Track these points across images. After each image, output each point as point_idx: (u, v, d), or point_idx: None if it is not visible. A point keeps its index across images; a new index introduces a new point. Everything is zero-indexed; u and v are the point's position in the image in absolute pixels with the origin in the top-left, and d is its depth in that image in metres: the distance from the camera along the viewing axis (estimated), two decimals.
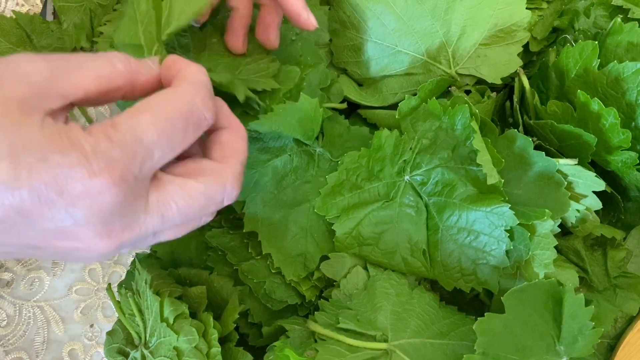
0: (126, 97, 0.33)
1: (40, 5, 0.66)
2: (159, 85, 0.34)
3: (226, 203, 0.34)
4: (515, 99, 0.47)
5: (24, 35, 0.63)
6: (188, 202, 0.31)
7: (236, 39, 0.46)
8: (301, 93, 0.44)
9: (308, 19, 0.44)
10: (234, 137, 0.35)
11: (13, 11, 0.62)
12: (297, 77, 0.45)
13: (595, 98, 0.41)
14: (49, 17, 0.65)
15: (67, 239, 0.28)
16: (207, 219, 0.35)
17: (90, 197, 0.27)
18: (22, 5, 0.66)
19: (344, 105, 0.52)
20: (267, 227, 0.45)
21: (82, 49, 0.63)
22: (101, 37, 0.62)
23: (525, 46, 0.50)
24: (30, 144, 0.26)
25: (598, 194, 0.42)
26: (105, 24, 0.62)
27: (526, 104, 0.47)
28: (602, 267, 0.44)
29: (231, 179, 0.33)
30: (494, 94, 0.48)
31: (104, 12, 0.63)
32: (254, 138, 0.45)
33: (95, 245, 0.29)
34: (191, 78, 0.32)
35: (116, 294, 0.52)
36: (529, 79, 0.49)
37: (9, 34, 0.63)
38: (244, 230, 0.45)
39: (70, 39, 0.63)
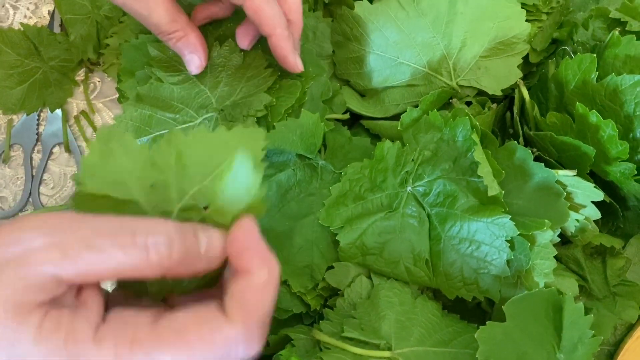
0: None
1: (48, 18, 0.67)
2: (218, 265, 0.28)
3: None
4: (516, 110, 0.48)
5: (32, 47, 0.64)
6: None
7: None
8: (302, 109, 0.45)
9: (295, 63, 0.46)
10: (256, 287, 0.27)
11: (21, 23, 0.63)
12: (298, 91, 0.46)
13: (594, 110, 0.42)
14: (57, 29, 0.66)
15: None
16: None
17: None
18: (30, 17, 0.67)
19: (347, 116, 0.53)
20: (273, 240, 0.45)
21: (89, 61, 0.64)
22: (107, 49, 0.63)
23: (525, 57, 0.51)
24: None
25: (597, 203, 0.43)
26: (111, 36, 0.63)
27: (526, 115, 0.48)
28: (602, 276, 0.45)
29: (248, 337, 0.26)
30: (494, 105, 0.49)
31: (110, 24, 0.64)
32: None
33: None
34: (251, 306, 0.26)
35: None
36: (528, 89, 0.50)
37: (17, 46, 0.64)
38: None
39: (77, 51, 0.64)
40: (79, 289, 0.26)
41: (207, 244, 0.28)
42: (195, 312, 0.26)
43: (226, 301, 0.26)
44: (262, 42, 0.49)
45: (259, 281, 0.27)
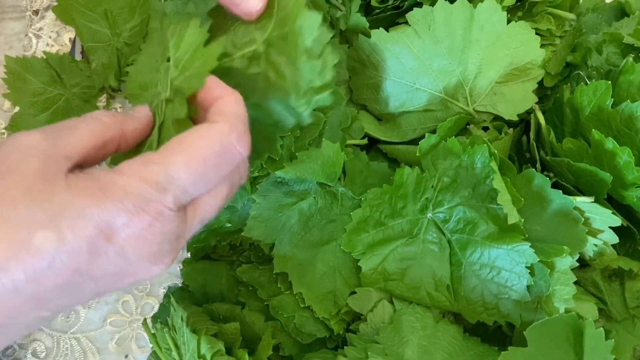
0: (120, 147, 0.35)
1: (69, 45, 0.69)
2: (149, 130, 0.36)
3: (244, 154, 0.33)
4: (532, 135, 0.49)
5: (55, 74, 0.66)
6: (203, 163, 0.31)
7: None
8: (323, 139, 0.46)
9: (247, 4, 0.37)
10: (228, 102, 0.34)
11: (44, 52, 0.65)
12: (321, 123, 0.48)
13: (610, 137, 0.42)
14: (78, 56, 0.68)
15: (125, 278, 0.31)
16: (241, 180, 0.36)
17: (134, 237, 0.29)
18: (52, 45, 0.69)
19: (365, 141, 0.54)
20: (296, 267, 0.47)
21: (111, 88, 0.66)
22: (129, 76, 0.65)
23: (540, 80, 0.52)
24: (65, 207, 0.28)
25: (614, 227, 0.44)
26: (132, 64, 0.64)
27: (542, 140, 0.49)
28: (620, 298, 0.46)
29: (233, 129, 0.32)
30: (510, 130, 0.50)
31: (130, 52, 0.66)
32: (279, 182, 0.47)
33: (150, 272, 0.31)
34: (229, 112, 0.32)
35: (150, 327, 0.55)
36: (544, 113, 0.51)
37: (40, 73, 0.66)
38: (274, 272, 0.47)
39: (99, 78, 0.65)
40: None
41: (134, 110, 0.37)
42: (187, 131, 0.32)
43: (209, 118, 0.33)
44: None
45: (231, 97, 0.33)
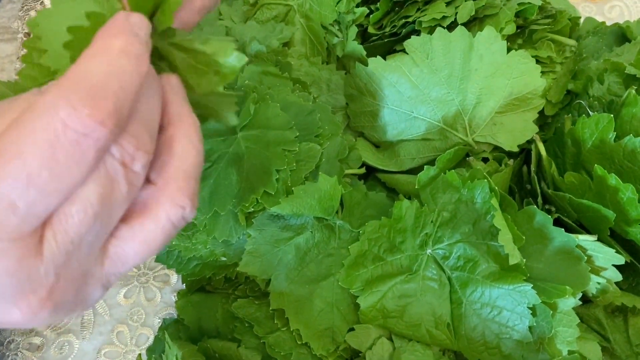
0: None
1: None
2: None
3: (184, 223, 0.27)
4: (533, 167, 0.48)
5: None
6: (138, 252, 0.26)
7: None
8: (320, 173, 0.45)
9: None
10: (179, 141, 0.27)
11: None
12: (318, 155, 0.47)
13: (613, 174, 0.41)
14: None
15: None
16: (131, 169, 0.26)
17: None
18: None
19: (363, 171, 0.53)
20: (293, 304, 0.46)
21: None
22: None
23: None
24: None
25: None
26: None
27: (543, 171, 0.48)
28: (624, 335, 0.45)
29: (174, 204, 0.26)
30: (510, 161, 0.49)
31: None
32: (275, 216, 0.46)
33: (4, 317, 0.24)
34: (71, 73, 0.24)
35: (144, 357, 0.54)
36: (544, 141, 0.50)
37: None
38: (270, 308, 0.46)
39: None
40: None
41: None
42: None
43: (152, 171, 0.26)
44: None
45: (186, 132, 0.27)
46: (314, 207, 0.46)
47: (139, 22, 0.27)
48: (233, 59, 0.29)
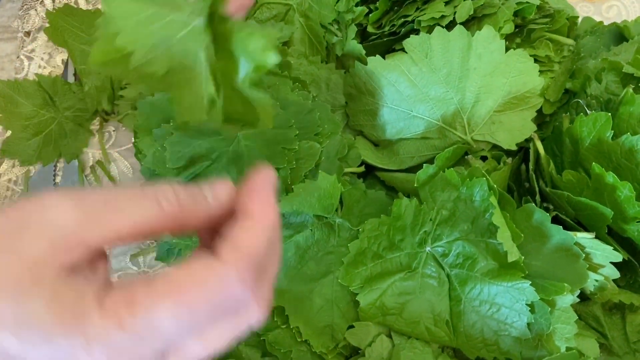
0: (174, 234, 0.29)
1: (62, 67, 0.68)
2: (221, 215, 0.29)
3: (248, 297, 0.27)
4: (531, 166, 0.49)
5: (47, 97, 0.65)
6: (195, 311, 0.26)
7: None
8: (320, 171, 0.45)
9: None
10: (250, 232, 0.27)
11: (35, 74, 0.64)
12: (317, 154, 0.47)
13: (610, 172, 0.42)
14: (70, 78, 0.67)
15: None
16: (248, 322, 0.28)
17: None
18: (44, 67, 0.68)
19: (362, 169, 0.53)
20: (293, 302, 0.46)
21: (104, 111, 0.65)
22: (121, 100, 0.64)
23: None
24: (35, 320, 0.24)
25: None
26: (125, 87, 0.63)
27: (541, 169, 0.49)
28: (622, 332, 0.45)
29: (241, 273, 0.26)
30: (509, 160, 0.50)
31: None
32: None
33: None
34: (244, 248, 0.26)
35: None
36: (542, 140, 0.50)
37: (32, 96, 0.65)
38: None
39: (92, 101, 0.64)
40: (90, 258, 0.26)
41: (212, 190, 0.28)
42: (187, 263, 0.26)
43: (218, 245, 0.26)
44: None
45: (254, 224, 0.27)
46: (314, 205, 0.46)
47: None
48: (269, 57, 0.29)
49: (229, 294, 0.25)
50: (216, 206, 0.28)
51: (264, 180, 0.29)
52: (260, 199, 0.28)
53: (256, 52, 0.30)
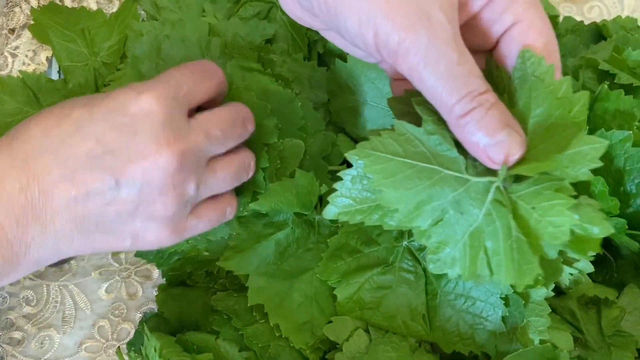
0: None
1: (46, 64, 0.68)
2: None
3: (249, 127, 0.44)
4: None
5: (31, 94, 0.65)
6: (220, 117, 0.41)
7: None
8: (296, 169, 0.46)
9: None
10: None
11: (20, 71, 0.64)
12: (302, 152, 0.47)
13: None
14: (54, 75, 0.67)
15: (137, 158, 0.36)
16: (247, 171, 0.45)
17: (143, 112, 0.37)
18: (29, 64, 0.68)
19: (344, 167, 0.54)
20: (272, 299, 0.46)
21: None
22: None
23: None
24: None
25: None
26: (109, 84, 0.64)
27: None
28: (597, 326, 0.46)
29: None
30: None
31: (108, 72, 0.65)
32: (260, 214, 0.47)
33: (159, 155, 0.36)
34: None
35: (125, 354, 0.54)
36: None
37: (16, 93, 0.65)
38: (248, 304, 0.46)
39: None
40: None
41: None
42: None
43: None
44: None
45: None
46: (292, 203, 0.46)
47: None
48: None
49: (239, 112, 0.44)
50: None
51: None
52: None
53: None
